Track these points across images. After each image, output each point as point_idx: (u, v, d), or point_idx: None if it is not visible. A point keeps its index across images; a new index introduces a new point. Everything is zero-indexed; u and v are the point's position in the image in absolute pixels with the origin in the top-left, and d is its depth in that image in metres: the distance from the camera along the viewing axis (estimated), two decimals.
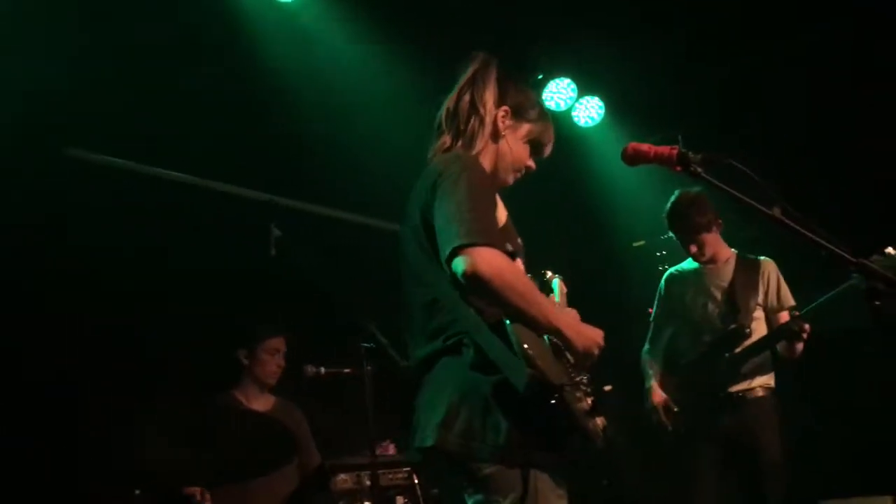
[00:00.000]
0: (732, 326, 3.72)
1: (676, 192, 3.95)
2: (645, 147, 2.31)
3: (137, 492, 3.03)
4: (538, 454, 2.09)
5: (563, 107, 5.66)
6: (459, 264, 2.05)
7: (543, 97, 5.58)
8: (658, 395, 3.83)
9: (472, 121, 2.37)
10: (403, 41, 4.70)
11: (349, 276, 4.01)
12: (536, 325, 2.11)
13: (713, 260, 3.90)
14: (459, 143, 2.37)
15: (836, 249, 2.13)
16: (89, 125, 3.71)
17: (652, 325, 4.05)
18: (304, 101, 4.47)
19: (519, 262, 2.19)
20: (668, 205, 3.94)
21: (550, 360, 2.11)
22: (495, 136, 2.39)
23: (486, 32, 4.97)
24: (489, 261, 2.05)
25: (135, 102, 3.88)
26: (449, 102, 2.43)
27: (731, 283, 3.81)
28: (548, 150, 2.50)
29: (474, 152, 2.35)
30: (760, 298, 3.79)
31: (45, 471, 3.47)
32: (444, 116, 2.43)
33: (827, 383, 4.89)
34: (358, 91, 4.67)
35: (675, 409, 3.77)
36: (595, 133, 5.79)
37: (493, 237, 2.10)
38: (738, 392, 3.67)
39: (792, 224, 2.16)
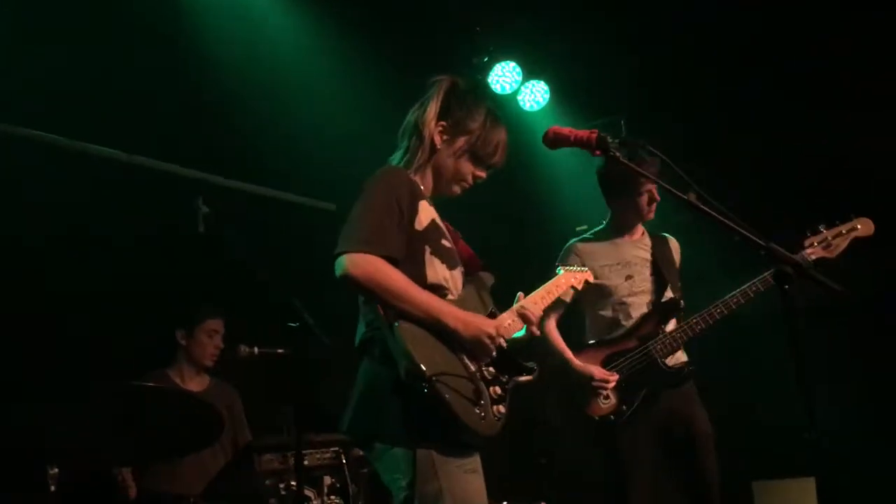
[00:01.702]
0: (667, 299, 3.68)
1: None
2: (565, 131, 2.41)
3: (54, 470, 2.97)
4: (430, 436, 2.26)
5: (508, 90, 5.66)
6: (337, 268, 2.32)
7: (489, 80, 5.57)
8: (590, 367, 3.58)
9: (412, 138, 2.57)
10: (347, 22, 4.66)
11: (278, 255, 3.99)
12: (419, 320, 2.33)
13: (632, 232, 3.84)
14: (405, 158, 2.56)
15: (747, 234, 2.17)
16: (11, 97, 3.61)
17: (558, 301, 3.84)
18: (239, 77, 4.41)
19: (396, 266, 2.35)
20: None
21: (436, 354, 2.31)
22: (432, 150, 2.56)
23: (433, 16, 4.97)
24: (360, 265, 2.30)
25: (59, 73, 3.78)
26: (405, 122, 2.62)
27: (653, 256, 3.77)
28: (496, 159, 2.61)
29: (413, 167, 2.55)
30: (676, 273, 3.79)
31: None
32: (399, 134, 2.63)
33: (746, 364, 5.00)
34: (296, 70, 4.63)
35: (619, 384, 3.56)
36: (540, 117, 5.79)
37: (374, 247, 2.33)
38: (675, 365, 3.62)
39: (705, 209, 2.21)
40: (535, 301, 2.63)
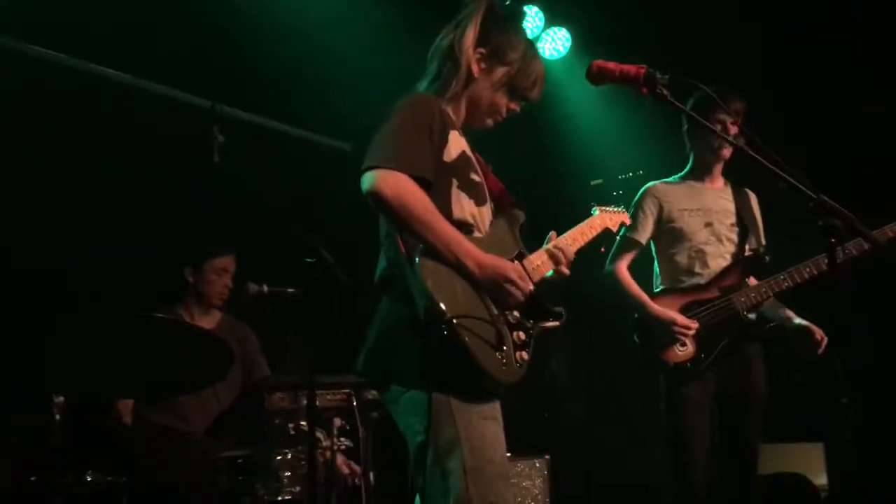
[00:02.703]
0: (751, 252, 3.62)
1: None
2: (611, 65, 2.29)
3: (60, 398, 2.92)
4: (447, 380, 2.16)
5: (529, 36, 5.50)
6: (364, 182, 2.18)
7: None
8: (670, 312, 3.49)
9: (447, 64, 2.39)
10: None
11: (295, 192, 3.89)
12: (438, 253, 2.20)
13: (713, 179, 3.76)
14: (435, 84, 2.40)
15: (795, 182, 2.08)
16: (17, 8, 3.48)
17: (624, 241, 3.68)
18: (261, 11, 4.27)
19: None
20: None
21: (458, 294, 2.19)
22: (469, 79, 2.39)
23: None
24: (391, 183, 2.16)
25: None
26: (434, 46, 2.44)
27: (736, 207, 3.70)
28: (534, 94, 2.48)
29: (448, 96, 2.38)
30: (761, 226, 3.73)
31: None
32: (428, 57, 2.45)
33: None
34: (317, 5, 4.48)
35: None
36: (560, 66, 5.65)
37: (406, 165, 2.19)
38: (754, 320, 3.55)
39: (751, 152, 2.12)
40: (568, 241, 2.53)
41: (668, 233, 3.67)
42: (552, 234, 2.53)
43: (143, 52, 3.63)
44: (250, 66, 4.32)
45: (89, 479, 3.15)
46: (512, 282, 2.24)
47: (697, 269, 3.62)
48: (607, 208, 2.83)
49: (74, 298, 3.71)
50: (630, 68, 2.23)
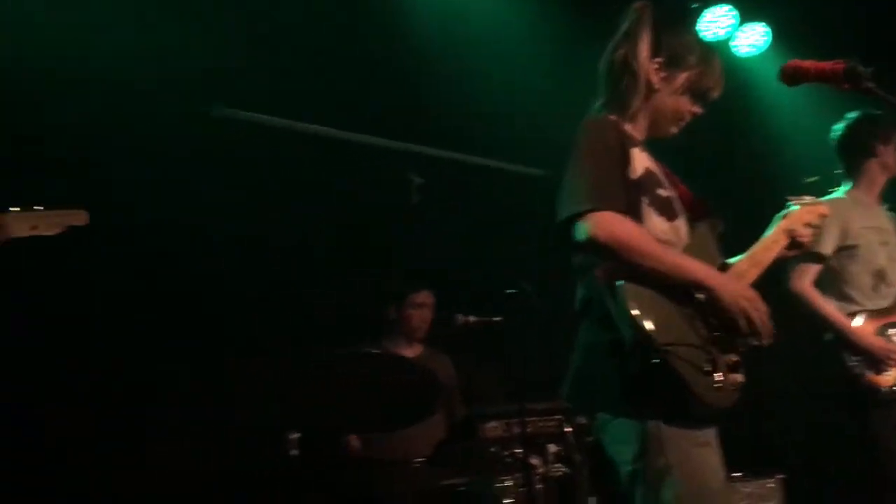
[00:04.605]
0: None
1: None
2: (807, 64, 2.12)
3: (295, 434, 3.13)
4: (657, 407, 2.08)
5: (721, 35, 5.29)
6: (578, 232, 2.12)
7: (700, 28, 5.23)
8: (875, 339, 3.34)
9: (624, 79, 2.31)
10: None
11: (489, 223, 3.97)
12: (671, 280, 2.10)
13: (876, 196, 3.57)
14: (613, 102, 2.33)
15: None
16: (231, 84, 3.83)
17: (807, 254, 3.34)
18: (441, 48, 4.41)
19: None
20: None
21: (664, 317, 2.09)
22: (650, 91, 2.31)
23: None
24: (603, 225, 2.09)
25: (273, 59, 3.97)
26: (604, 60, 2.38)
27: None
28: (715, 94, 2.37)
29: (629, 112, 2.31)
30: None
31: (200, 421, 3.67)
32: (599, 75, 2.38)
33: None
34: (496, 34, 4.57)
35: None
36: (758, 63, 5.37)
37: (609, 201, 2.13)
38: None
39: None
40: (768, 246, 2.37)
41: (845, 252, 3.44)
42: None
43: (336, 106, 3.87)
44: (435, 105, 4.46)
45: None
46: (751, 300, 2.14)
47: (882, 289, 3.42)
48: (804, 199, 2.54)
49: (299, 337, 3.98)
50: (826, 65, 2.06)
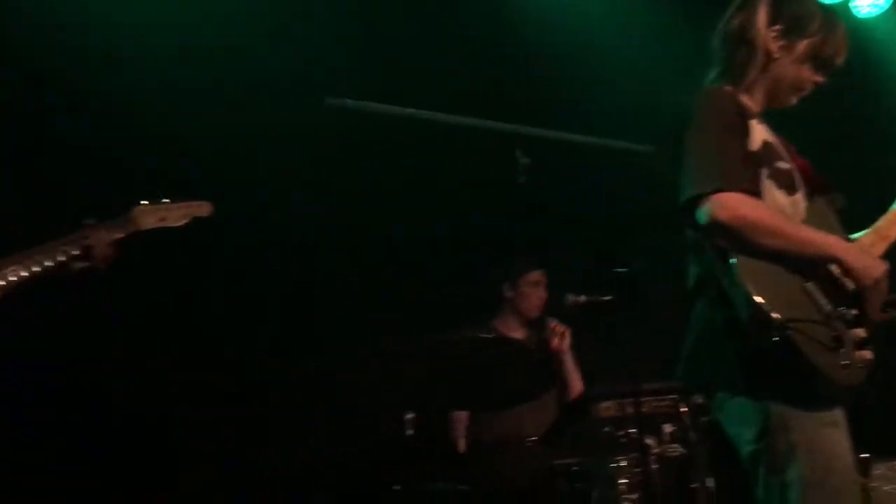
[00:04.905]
0: None
1: None
2: None
3: (410, 415, 3.21)
4: (779, 387, 2.02)
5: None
6: (700, 216, 2.04)
7: None
8: None
9: (741, 49, 2.24)
10: None
11: (597, 201, 3.92)
12: (800, 256, 2.03)
13: None
14: (728, 73, 2.25)
15: None
16: (340, 73, 3.92)
17: None
18: (544, 25, 4.38)
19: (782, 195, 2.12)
20: None
21: (784, 293, 2.02)
22: (768, 61, 2.23)
23: None
24: (726, 207, 2.01)
25: (378, 46, 4.02)
26: (718, 31, 2.31)
27: None
28: (838, 60, 2.27)
29: (743, 84, 2.24)
30: None
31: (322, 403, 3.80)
32: (713, 46, 2.32)
33: None
34: (600, 6, 4.49)
35: None
36: (881, 22, 5.08)
37: (731, 180, 2.04)
38: None
39: None
40: (894, 220, 2.25)
41: None
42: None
43: (439, 90, 3.91)
44: (540, 84, 4.44)
45: (439, 488, 3.42)
46: (884, 271, 2.06)
47: None
48: None
49: (413, 321, 4.06)
50: None
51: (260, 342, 3.99)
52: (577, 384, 4.10)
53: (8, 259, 2.33)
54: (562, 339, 4.04)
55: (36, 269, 2.30)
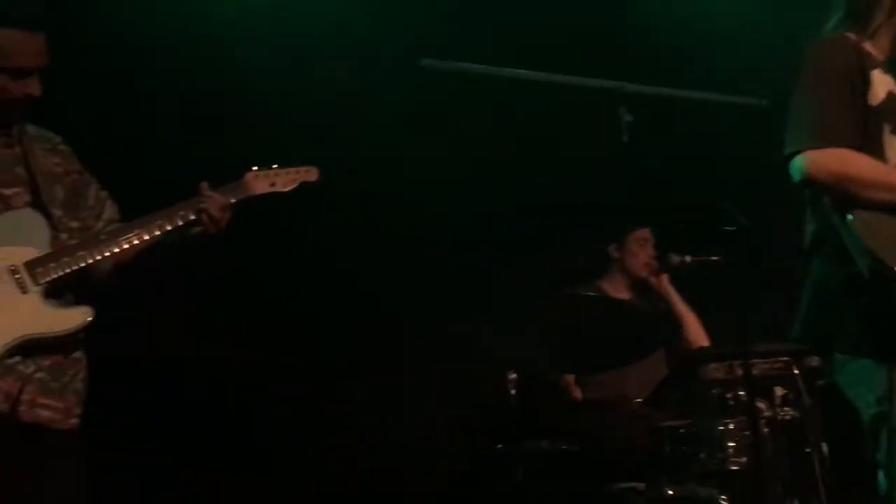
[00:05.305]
0: None
1: None
2: None
3: (513, 375, 3.23)
4: None
5: None
6: (793, 172, 2.07)
7: None
8: None
9: None
10: None
11: (706, 158, 3.79)
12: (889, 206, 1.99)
13: None
14: (850, 20, 2.17)
15: None
16: (437, 34, 3.92)
17: None
18: None
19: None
20: None
21: None
22: (893, 5, 2.14)
23: None
24: (821, 164, 2.02)
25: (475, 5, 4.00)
26: None
27: None
28: None
29: (870, 30, 2.15)
30: None
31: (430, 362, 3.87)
32: None
33: None
34: None
35: None
36: None
37: (832, 138, 2.02)
38: None
39: None
40: None
41: None
42: None
43: (538, 48, 3.86)
44: (645, 39, 4.33)
45: (544, 447, 3.44)
46: None
47: None
48: None
49: (518, 282, 4.07)
50: None
51: (370, 304, 4.08)
52: (697, 337, 4.03)
53: (134, 223, 2.45)
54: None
55: (157, 232, 2.41)
